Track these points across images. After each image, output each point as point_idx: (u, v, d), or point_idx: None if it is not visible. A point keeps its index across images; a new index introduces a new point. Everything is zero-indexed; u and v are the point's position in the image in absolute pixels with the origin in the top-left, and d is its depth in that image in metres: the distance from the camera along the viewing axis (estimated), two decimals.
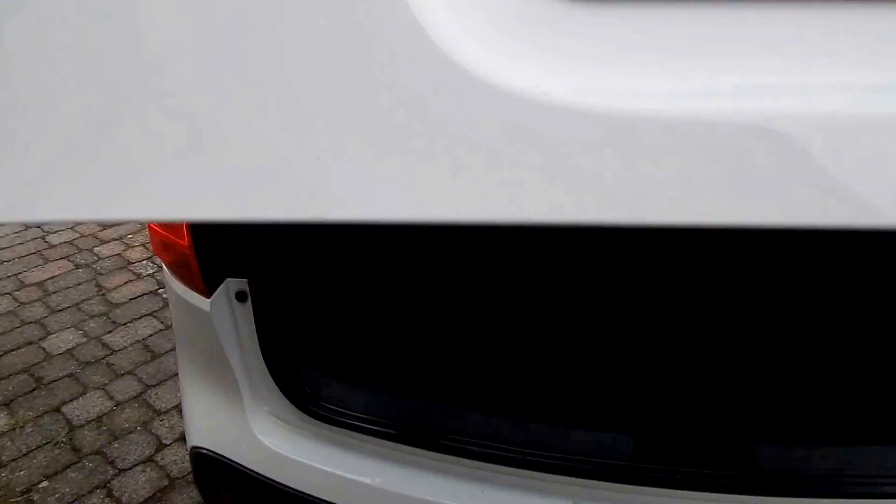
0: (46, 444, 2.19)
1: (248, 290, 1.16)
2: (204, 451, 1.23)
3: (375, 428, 1.13)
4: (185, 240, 1.13)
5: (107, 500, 2.01)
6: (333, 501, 1.13)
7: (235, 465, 1.19)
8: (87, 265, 3.17)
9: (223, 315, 1.17)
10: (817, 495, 1.04)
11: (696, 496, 1.05)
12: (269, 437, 1.18)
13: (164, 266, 1.26)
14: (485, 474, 1.10)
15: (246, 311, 1.17)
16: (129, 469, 2.11)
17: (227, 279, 1.17)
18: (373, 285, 1.92)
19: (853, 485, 1.06)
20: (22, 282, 3.03)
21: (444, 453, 1.11)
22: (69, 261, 3.21)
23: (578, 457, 1.10)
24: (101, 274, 3.09)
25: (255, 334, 1.17)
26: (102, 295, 2.94)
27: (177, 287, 1.22)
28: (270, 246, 1.18)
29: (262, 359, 1.17)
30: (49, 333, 2.70)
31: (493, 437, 1.13)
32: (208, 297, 1.15)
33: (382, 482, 1.12)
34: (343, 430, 1.15)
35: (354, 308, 1.88)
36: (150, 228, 1.22)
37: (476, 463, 1.09)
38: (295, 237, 1.27)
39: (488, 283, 2.00)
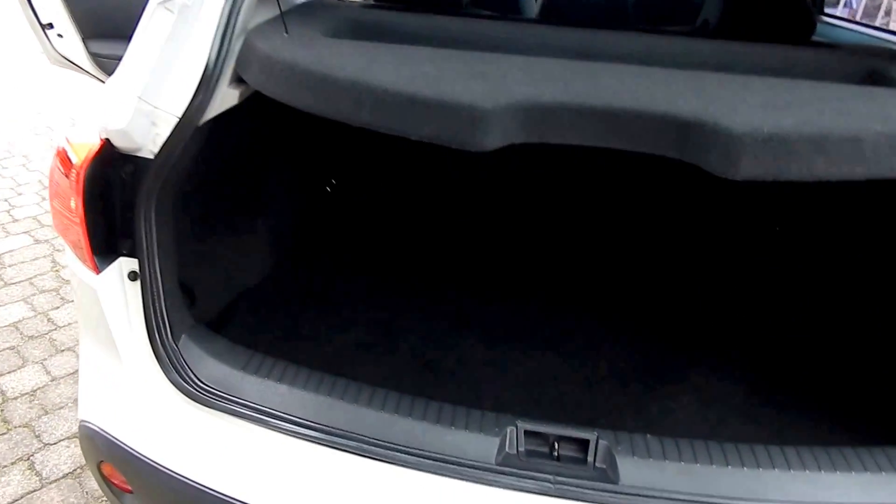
0: None
1: (139, 270, 1.21)
2: (88, 424, 1.27)
3: (258, 416, 1.17)
4: (79, 219, 1.18)
5: (28, 472, 2.04)
6: (205, 484, 1.17)
7: (116, 440, 1.23)
8: (47, 241, 3.20)
9: (112, 293, 1.21)
10: None
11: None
12: (148, 416, 1.22)
13: (66, 245, 1.30)
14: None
15: (136, 291, 1.22)
16: (55, 444, 2.14)
17: (121, 258, 1.22)
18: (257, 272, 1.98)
19: None
20: None
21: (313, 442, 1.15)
22: (30, 235, 3.24)
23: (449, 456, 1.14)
24: (58, 250, 3.13)
25: (142, 311, 1.21)
26: (56, 271, 2.98)
27: (73, 264, 1.26)
28: (160, 226, 1.22)
29: (146, 337, 1.21)
30: None
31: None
32: (98, 274, 1.19)
33: (255, 469, 1.16)
34: (223, 415, 1.19)
35: (241, 290, 1.95)
36: (52, 209, 1.26)
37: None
38: (182, 214, 1.31)
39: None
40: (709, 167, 1.01)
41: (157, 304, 1.22)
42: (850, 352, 1.85)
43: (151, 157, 1.17)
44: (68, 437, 2.16)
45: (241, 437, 1.18)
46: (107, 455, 1.27)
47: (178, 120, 1.15)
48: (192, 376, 1.20)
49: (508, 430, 1.13)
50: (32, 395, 2.32)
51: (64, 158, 1.19)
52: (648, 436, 1.16)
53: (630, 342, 1.89)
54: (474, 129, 1.03)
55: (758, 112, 1.02)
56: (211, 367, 1.23)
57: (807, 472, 1.08)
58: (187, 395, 1.19)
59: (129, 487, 1.28)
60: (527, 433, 1.13)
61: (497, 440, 1.12)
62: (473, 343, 1.87)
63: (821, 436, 1.59)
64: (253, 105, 1.48)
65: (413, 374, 1.73)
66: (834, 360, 1.84)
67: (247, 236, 2.06)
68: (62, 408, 2.27)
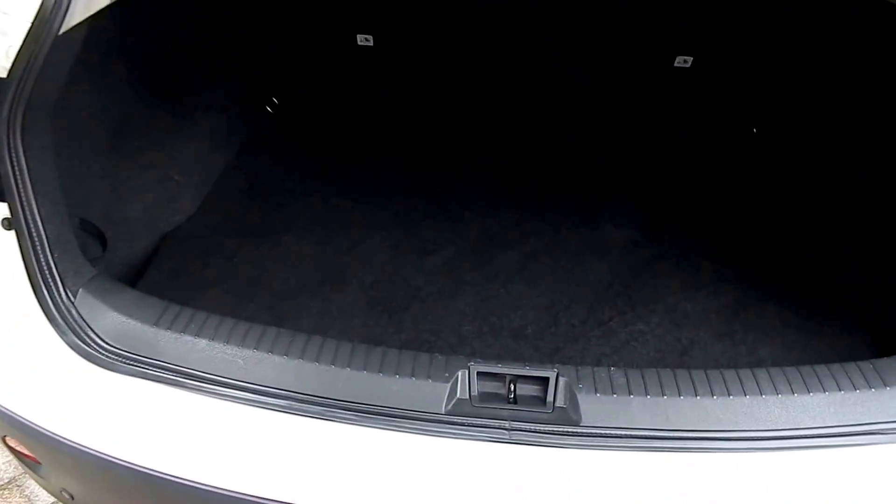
0: None
1: (12, 216, 1.01)
2: None
3: (174, 377, 1.02)
4: None
5: None
6: (118, 456, 1.03)
7: (13, 415, 1.07)
8: None
9: None
10: None
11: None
12: (47, 385, 1.06)
13: None
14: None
15: (13, 241, 1.02)
16: None
17: None
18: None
19: None
20: None
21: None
22: None
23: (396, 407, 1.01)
24: None
25: (23, 266, 1.02)
26: None
27: None
28: (36, 160, 1.02)
29: (33, 296, 1.03)
30: None
31: None
32: None
33: (175, 437, 1.02)
34: (134, 378, 1.03)
35: (167, 228, 1.75)
36: None
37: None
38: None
39: None
40: None
41: (41, 256, 1.03)
42: (822, 262, 1.76)
43: (5, 74, 0.95)
44: None
45: (158, 401, 1.03)
46: (7, 430, 1.11)
47: (30, 25, 0.93)
48: (94, 336, 1.04)
49: (460, 374, 1.00)
50: None
51: None
52: (612, 369, 1.06)
53: (597, 261, 1.76)
54: None
55: None
56: (117, 324, 1.06)
57: (779, 395, 1.01)
58: (89, 359, 1.02)
59: (39, 460, 1.14)
60: (480, 375, 1.01)
61: (447, 386, 0.99)
62: (431, 272, 1.72)
63: (796, 349, 1.52)
64: (150, 4, 1.24)
65: (364, 312, 1.59)
66: (806, 271, 1.76)
67: (169, 165, 1.84)
68: None
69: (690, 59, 2.05)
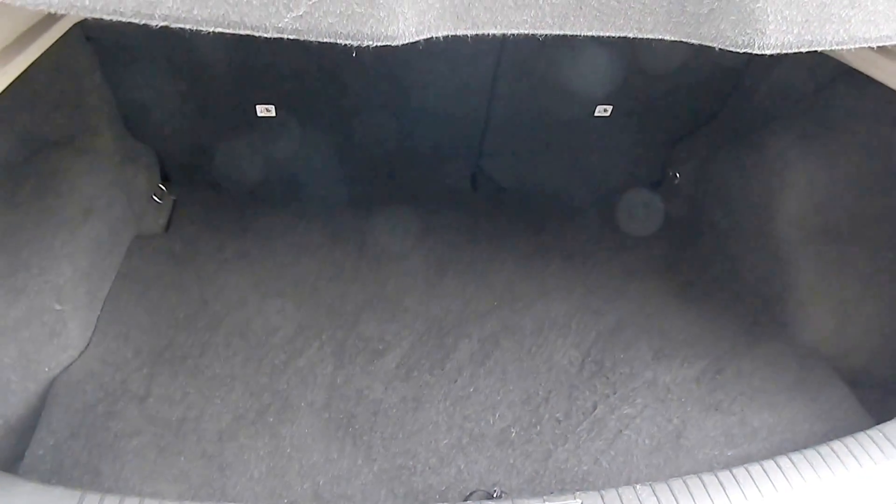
0: None
1: None
2: None
3: None
4: None
5: None
6: None
7: None
8: None
9: None
10: None
11: None
12: None
13: None
14: None
15: None
16: None
17: None
18: None
19: None
20: None
21: None
22: None
23: None
24: None
25: None
26: None
27: None
28: None
29: None
30: None
31: None
32: None
33: None
34: None
35: (54, 373, 1.43)
36: None
37: None
38: None
39: None
40: (726, 42, 0.77)
41: None
42: (778, 308, 1.75)
43: None
44: None
45: None
46: None
47: None
48: None
49: None
50: None
51: None
52: (638, 486, 0.98)
53: (561, 339, 1.65)
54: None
55: None
56: None
57: (808, 484, 1.00)
58: None
59: None
60: None
61: None
62: (386, 377, 1.52)
63: (784, 409, 1.49)
64: None
65: (323, 442, 1.35)
66: (765, 320, 1.75)
67: (45, 292, 1.49)
68: None
69: (610, 107, 2.02)
